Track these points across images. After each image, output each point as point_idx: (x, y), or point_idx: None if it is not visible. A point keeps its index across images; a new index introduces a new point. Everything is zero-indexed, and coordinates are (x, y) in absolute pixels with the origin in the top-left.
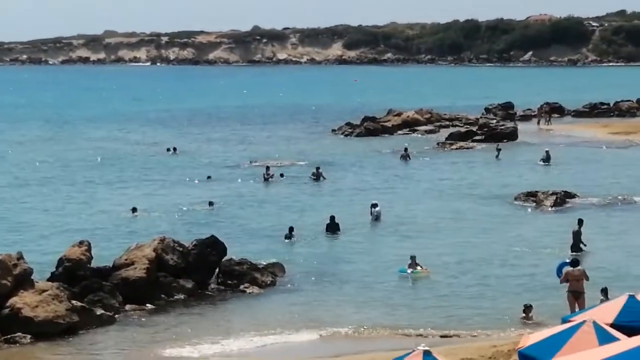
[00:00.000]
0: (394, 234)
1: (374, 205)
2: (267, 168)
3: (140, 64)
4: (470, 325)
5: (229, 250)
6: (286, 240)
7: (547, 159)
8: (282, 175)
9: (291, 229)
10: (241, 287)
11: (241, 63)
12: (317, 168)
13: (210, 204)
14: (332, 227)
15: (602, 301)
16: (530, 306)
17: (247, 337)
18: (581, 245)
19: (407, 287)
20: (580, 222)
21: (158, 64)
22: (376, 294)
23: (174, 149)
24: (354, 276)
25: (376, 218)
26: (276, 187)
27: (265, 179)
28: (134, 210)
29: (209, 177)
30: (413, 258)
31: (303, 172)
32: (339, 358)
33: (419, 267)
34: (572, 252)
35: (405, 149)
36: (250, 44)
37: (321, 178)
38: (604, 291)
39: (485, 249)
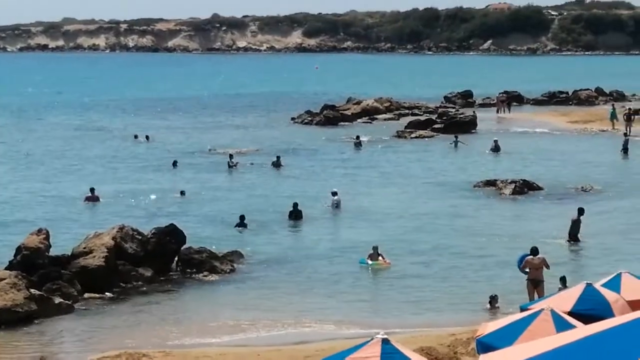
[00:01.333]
0: (354, 222)
1: (334, 194)
2: (231, 156)
3: (99, 51)
4: (429, 314)
5: (193, 239)
6: (238, 229)
7: (495, 149)
8: (252, 164)
9: (242, 217)
10: (200, 275)
11: (200, 51)
12: (278, 157)
13: (182, 193)
14: (295, 215)
15: (560, 290)
16: (496, 296)
17: (206, 326)
18: (579, 236)
19: (367, 277)
20: (581, 211)
21: (117, 51)
22: (336, 283)
23: (147, 137)
24: (314, 264)
25: (336, 206)
26: (239, 175)
27: (230, 167)
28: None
29: (175, 163)
30: (375, 249)
31: (262, 160)
32: (297, 346)
33: (380, 258)
34: (569, 241)
35: (357, 137)
36: (209, 32)
37: (280, 167)
38: (563, 280)
39: (445, 237)
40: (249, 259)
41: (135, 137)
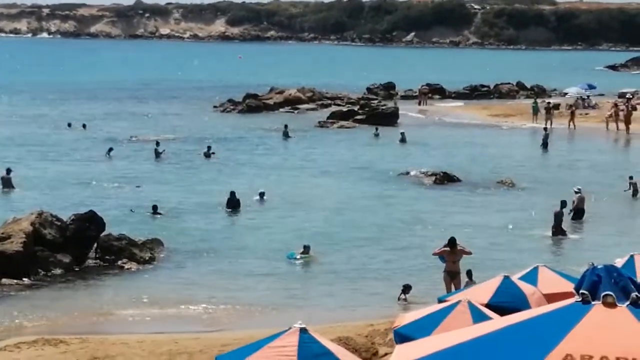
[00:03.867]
0: (279, 212)
1: (262, 194)
2: (157, 144)
3: (21, 35)
4: (348, 305)
5: (118, 227)
6: (151, 217)
7: (403, 140)
8: (207, 154)
9: (155, 207)
10: (119, 262)
11: (123, 37)
12: (209, 147)
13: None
14: (233, 204)
15: (467, 283)
16: (409, 286)
17: (124, 312)
18: (563, 227)
19: (289, 268)
20: (563, 203)
21: (39, 35)
22: (257, 273)
23: (83, 125)
24: (236, 254)
25: (261, 196)
26: (165, 163)
27: (157, 155)
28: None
29: (110, 150)
30: (306, 248)
31: (185, 148)
32: (215, 334)
33: (310, 253)
34: (553, 235)
35: (286, 126)
36: (132, 18)
37: (211, 156)
38: (469, 273)
39: (367, 227)
40: (169, 247)
41: (69, 125)
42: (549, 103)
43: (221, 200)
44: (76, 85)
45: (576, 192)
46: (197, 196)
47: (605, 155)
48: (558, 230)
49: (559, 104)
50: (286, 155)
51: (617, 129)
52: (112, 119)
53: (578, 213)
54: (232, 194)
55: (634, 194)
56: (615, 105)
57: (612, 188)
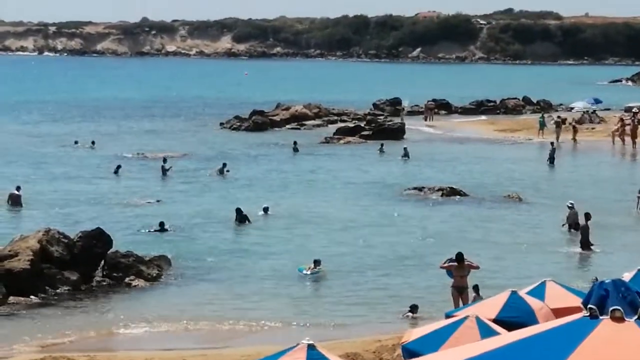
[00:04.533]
0: (285, 228)
1: (265, 209)
2: (164, 160)
3: (27, 53)
4: (356, 321)
5: (124, 244)
6: (158, 234)
7: (405, 155)
8: (221, 171)
9: (162, 224)
10: (126, 279)
11: (129, 55)
12: (224, 164)
13: (158, 200)
14: (240, 219)
15: (475, 298)
16: (416, 306)
17: (132, 330)
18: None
19: (296, 283)
20: (587, 216)
21: (45, 53)
22: (265, 289)
23: (92, 142)
24: (244, 271)
25: (265, 211)
26: (172, 181)
27: (164, 172)
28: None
29: (118, 167)
30: (316, 262)
31: (192, 165)
32: (223, 350)
33: (320, 267)
34: (582, 249)
35: (295, 142)
36: (138, 36)
37: (225, 173)
38: (476, 288)
39: (376, 243)
40: (176, 264)
41: (76, 142)
42: (559, 117)
43: (229, 217)
44: (83, 102)
45: (569, 207)
46: (205, 213)
47: (611, 169)
48: (584, 245)
49: (565, 119)
50: (293, 172)
51: (624, 143)
52: (120, 136)
53: (574, 228)
54: (238, 211)
55: None
56: (622, 119)
57: (619, 202)
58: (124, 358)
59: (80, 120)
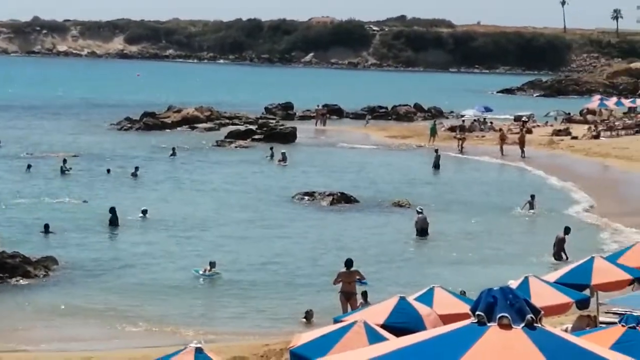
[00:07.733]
0: (165, 230)
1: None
2: (65, 161)
3: None
4: (246, 324)
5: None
6: (44, 235)
7: (283, 159)
8: (108, 170)
9: (47, 226)
10: (13, 280)
11: (20, 54)
12: (137, 168)
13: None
14: (111, 221)
15: (362, 305)
16: (311, 311)
17: (19, 331)
18: (562, 254)
19: (185, 285)
20: (567, 230)
21: None
22: (153, 290)
23: None
24: (131, 272)
25: (143, 214)
26: (70, 180)
27: (62, 172)
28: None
29: (29, 167)
30: (212, 264)
31: (79, 164)
32: (111, 353)
33: (215, 269)
34: (555, 259)
35: (173, 149)
36: (29, 35)
37: (137, 175)
38: (364, 294)
39: (263, 247)
40: (64, 265)
41: None
42: (463, 122)
43: (105, 218)
44: None
45: (418, 213)
46: (89, 214)
47: (494, 175)
48: (557, 256)
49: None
50: (176, 174)
51: (502, 154)
52: (6, 134)
53: (422, 232)
54: (112, 210)
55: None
56: (501, 130)
57: (503, 208)
58: (9, 359)
59: None
